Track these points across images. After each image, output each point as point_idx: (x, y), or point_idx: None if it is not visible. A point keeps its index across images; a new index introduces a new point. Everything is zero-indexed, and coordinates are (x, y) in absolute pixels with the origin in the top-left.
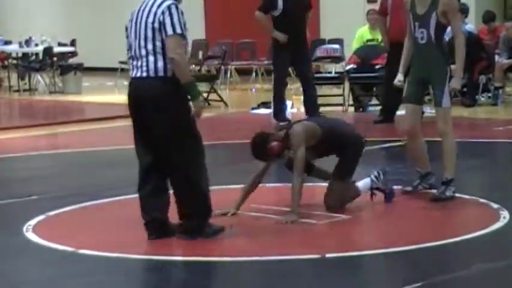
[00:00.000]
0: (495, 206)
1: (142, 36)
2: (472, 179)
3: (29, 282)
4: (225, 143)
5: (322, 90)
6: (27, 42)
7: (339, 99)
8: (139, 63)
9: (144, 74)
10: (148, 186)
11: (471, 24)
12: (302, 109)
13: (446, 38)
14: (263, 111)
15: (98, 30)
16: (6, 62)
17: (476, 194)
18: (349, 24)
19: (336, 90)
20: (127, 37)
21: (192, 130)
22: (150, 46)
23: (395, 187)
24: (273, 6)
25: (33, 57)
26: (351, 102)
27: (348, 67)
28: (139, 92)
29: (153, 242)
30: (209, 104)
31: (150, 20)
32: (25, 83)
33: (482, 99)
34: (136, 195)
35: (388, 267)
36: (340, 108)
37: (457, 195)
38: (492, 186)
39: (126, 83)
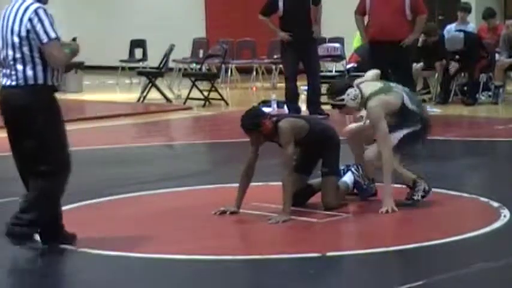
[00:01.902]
0: (495, 204)
1: (10, 44)
2: (472, 178)
3: (29, 281)
4: (225, 142)
5: (323, 88)
6: None
7: None
8: (8, 72)
9: (14, 83)
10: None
11: (472, 24)
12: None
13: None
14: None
15: (99, 28)
16: None
17: (477, 192)
18: (350, 23)
19: None
20: None
21: (59, 142)
22: (18, 54)
23: (395, 185)
24: (274, 9)
25: None
26: None
27: (349, 66)
28: (9, 101)
29: (154, 240)
30: (210, 103)
31: (17, 28)
32: None
33: (483, 98)
34: (137, 193)
35: (389, 266)
36: None
37: (458, 193)
38: (493, 185)
39: (127, 81)
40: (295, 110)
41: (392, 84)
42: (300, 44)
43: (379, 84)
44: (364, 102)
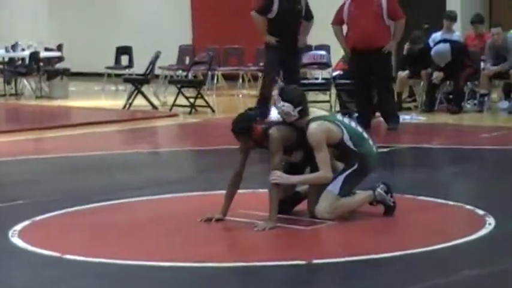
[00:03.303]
0: (481, 212)
1: None
2: (457, 186)
3: (14, 287)
4: (211, 149)
5: (308, 96)
6: (14, 47)
7: (326, 106)
8: None
9: None
10: None
11: (458, 32)
12: None
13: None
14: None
15: (85, 35)
16: None
17: (462, 200)
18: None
19: (322, 97)
20: None
21: None
22: None
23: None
24: (269, 10)
25: (20, 62)
26: (337, 108)
27: (335, 73)
28: None
29: (139, 248)
30: (196, 110)
31: None
32: (11, 88)
33: (468, 106)
34: (123, 200)
35: (375, 274)
36: None
37: (443, 201)
38: (478, 193)
39: (113, 88)
40: (264, 113)
41: (338, 117)
42: (284, 50)
43: (324, 112)
44: (305, 123)
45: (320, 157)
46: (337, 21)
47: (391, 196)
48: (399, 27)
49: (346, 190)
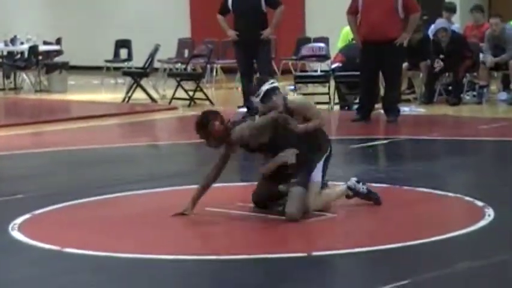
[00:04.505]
0: (480, 204)
1: None
2: (457, 177)
3: (14, 281)
4: None
5: (307, 88)
6: (13, 40)
7: (325, 98)
8: None
9: None
10: None
11: (457, 24)
12: None
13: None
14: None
15: (84, 28)
16: None
17: (461, 192)
18: (335, 22)
19: (321, 89)
20: None
21: None
22: None
23: (375, 185)
24: (227, 9)
25: (19, 55)
26: (336, 100)
27: (334, 66)
28: None
29: (140, 241)
30: (195, 103)
31: None
32: (10, 82)
33: (467, 97)
34: (122, 193)
35: (374, 265)
36: (325, 106)
37: (442, 193)
38: (477, 185)
39: (112, 81)
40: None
41: None
42: (248, 44)
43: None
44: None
45: (312, 110)
46: (352, 11)
47: (363, 184)
48: (413, 21)
49: (323, 176)
